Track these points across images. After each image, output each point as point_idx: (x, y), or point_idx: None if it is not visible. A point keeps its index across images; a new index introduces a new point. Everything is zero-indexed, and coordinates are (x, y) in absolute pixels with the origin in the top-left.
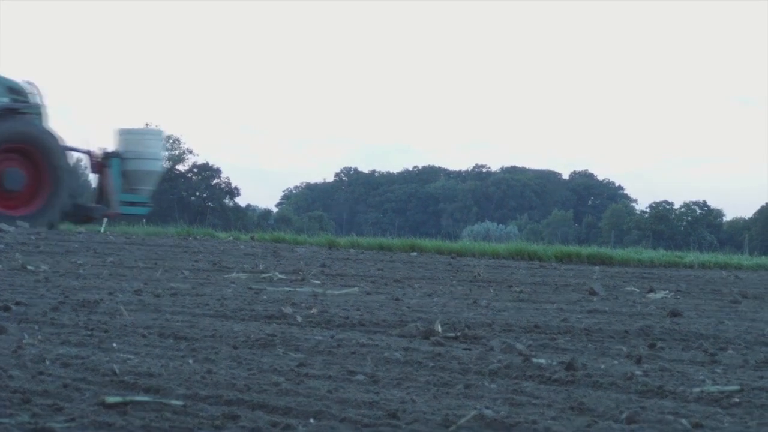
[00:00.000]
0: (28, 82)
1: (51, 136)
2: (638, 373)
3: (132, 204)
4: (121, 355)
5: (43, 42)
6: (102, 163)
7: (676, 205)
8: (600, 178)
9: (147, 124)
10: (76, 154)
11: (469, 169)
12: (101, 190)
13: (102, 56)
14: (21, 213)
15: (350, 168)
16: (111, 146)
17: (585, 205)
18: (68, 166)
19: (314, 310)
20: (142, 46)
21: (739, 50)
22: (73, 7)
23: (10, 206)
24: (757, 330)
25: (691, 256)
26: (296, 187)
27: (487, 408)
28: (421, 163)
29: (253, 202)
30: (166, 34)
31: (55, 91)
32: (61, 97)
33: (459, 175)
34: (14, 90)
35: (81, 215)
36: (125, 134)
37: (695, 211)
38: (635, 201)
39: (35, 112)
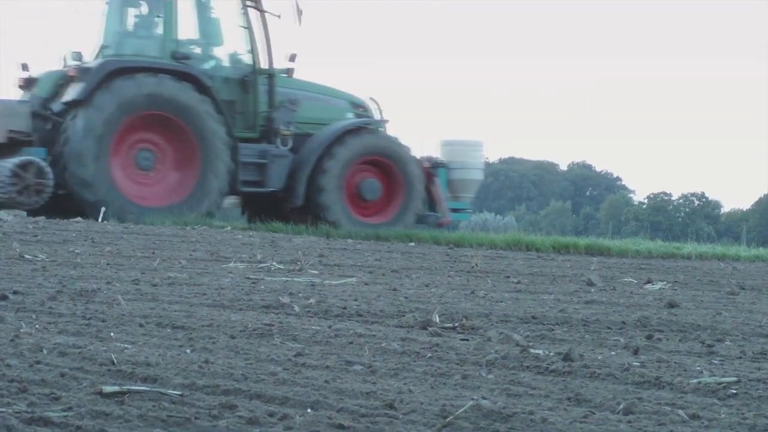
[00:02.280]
0: (371, 98)
1: (404, 148)
2: (635, 364)
3: (457, 211)
4: (119, 344)
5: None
6: (430, 172)
7: (674, 197)
8: (598, 169)
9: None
10: None
11: None
12: (431, 198)
13: None
14: (377, 221)
15: None
16: (437, 156)
17: (583, 196)
18: (420, 176)
19: (312, 300)
20: None
21: (731, 32)
22: None
23: (366, 214)
24: (755, 321)
25: (689, 248)
26: None
27: (484, 398)
28: (419, 154)
29: None
30: None
31: None
32: None
33: None
34: (359, 106)
35: (419, 223)
36: (450, 145)
37: (693, 202)
38: (633, 192)
39: (378, 126)
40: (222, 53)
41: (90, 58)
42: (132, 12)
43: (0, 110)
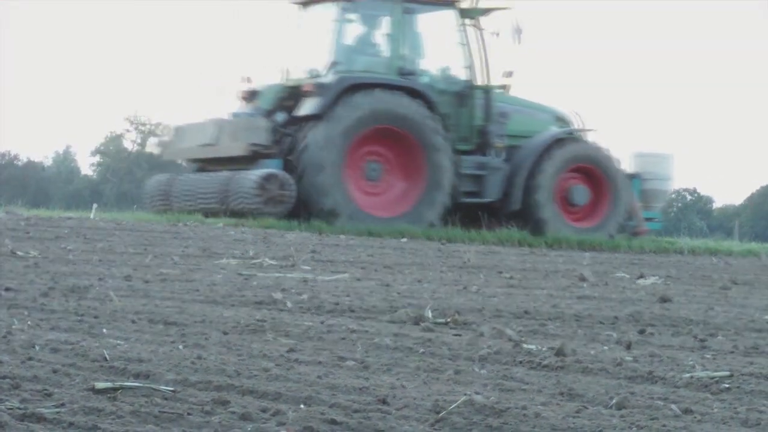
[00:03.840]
0: (573, 112)
1: (610, 157)
2: (628, 358)
3: (649, 220)
4: (111, 340)
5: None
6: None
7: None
8: None
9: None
10: None
11: None
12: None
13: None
14: (584, 225)
15: None
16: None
17: None
18: (626, 185)
19: (304, 296)
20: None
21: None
22: None
23: (574, 219)
24: (747, 316)
25: (681, 242)
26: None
27: (477, 394)
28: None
29: None
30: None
31: None
32: None
33: None
34: (562, 119)
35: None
36: (643, 157)
37: (685, 197)
38: None
39: (585, 136)
40: (441, 68)
41: (322, 74)
42: (359, 30)
43: (242, 125)
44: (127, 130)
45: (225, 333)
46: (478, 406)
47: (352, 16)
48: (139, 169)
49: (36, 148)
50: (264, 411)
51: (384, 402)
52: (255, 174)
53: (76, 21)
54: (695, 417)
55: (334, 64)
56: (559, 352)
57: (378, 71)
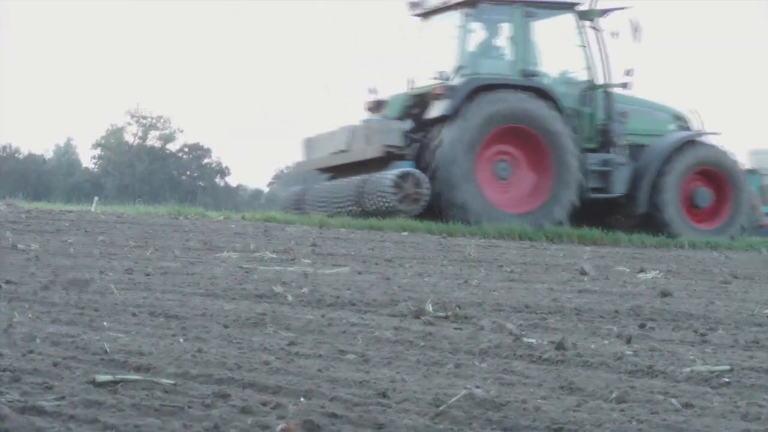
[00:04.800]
0: (691, 110)
1: (734, 160)
2: (628, 352)
3: None
4: (112, 333)
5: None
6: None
7: None
8: None
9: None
10: None
11: None
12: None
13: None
14: (706, 227)
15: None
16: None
17: None
18: (749, 189)
19: (305, 290)
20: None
21: None
22: None
23: (697, 220)
24: (748, 310)
25: (682, 237)
26: (287, 167)
27: (477, 387)
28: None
29: (244, 182)
30: (149, 12)
31: None
32: None
33: None
34: (680, 118)
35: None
36: (759, 154)
37: None
38: None
39: (709, 138)
40: (561, 70)
41: (450, 78)
42: (482, 35)
43: (378, 128)
44: (129, 123)
45: (225, 326)
46: (478, 399)
47: (475, 22)
48: (140, 163)
49: (37, 141)
50: (264, 404)
51: (384, 395)
52: (391, 173)
53: (77, 13)
54: (695, 411)
55: (460, 68)
56: (560, 346)
57: (502, 74)
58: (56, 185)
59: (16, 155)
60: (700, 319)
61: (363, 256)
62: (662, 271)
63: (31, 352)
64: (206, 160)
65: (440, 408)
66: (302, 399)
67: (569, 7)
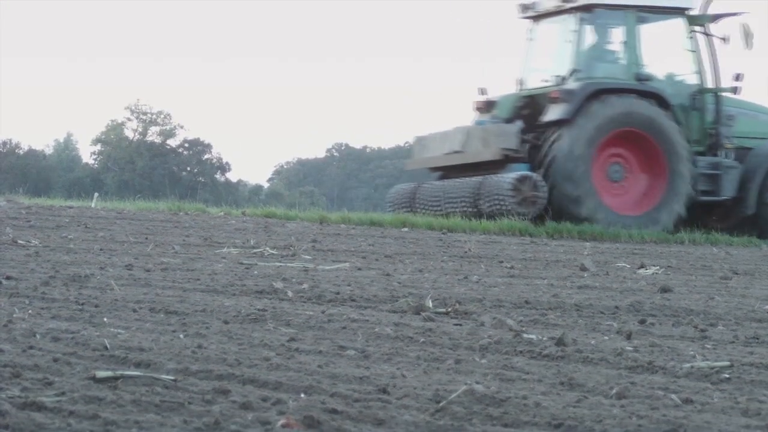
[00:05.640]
0: None
1: None
2: (628, 348)
3: None
4: (112, 329)
5: None
6: None
7: None
8: None
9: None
10: None
11: None
12: None
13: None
14: None
15: (341, 143)
16: None
17: None
18: None
19: (305, 286)
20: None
21: None
22: None
23: None
24: (747, 306)
25: (682, 233)
26: (287, 163)
27: (477, 383)
28: (412, 139)
29: (245, 178)
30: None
31: None
32: None
33: None
34: None
35: None
36: None
37: None
38: None
39: None
40: (671, 73)
41: (565, 81)
42: (595, 39)
43: (494, 131)
44: (128, 119)
45: (226, 322)
46: (478, 395)
47: (589, 26)
48: (140, 158)
49: (37, 137)
50: (265, 400)
51: (384, 391)
52: (510, 176)
53: (78, 9)
54: (695, 407)
55: (575, 71)
56: (560, 342)
57: (616, 77)
58: (56, 181)
59: (16, 151)
60: (701, 315)
61: (363, 252)
62: (662, 267)
63: (31, 347)
64: (206, 156)
65: (440, 404)
66: (302, 395)
67: (680, 12)
